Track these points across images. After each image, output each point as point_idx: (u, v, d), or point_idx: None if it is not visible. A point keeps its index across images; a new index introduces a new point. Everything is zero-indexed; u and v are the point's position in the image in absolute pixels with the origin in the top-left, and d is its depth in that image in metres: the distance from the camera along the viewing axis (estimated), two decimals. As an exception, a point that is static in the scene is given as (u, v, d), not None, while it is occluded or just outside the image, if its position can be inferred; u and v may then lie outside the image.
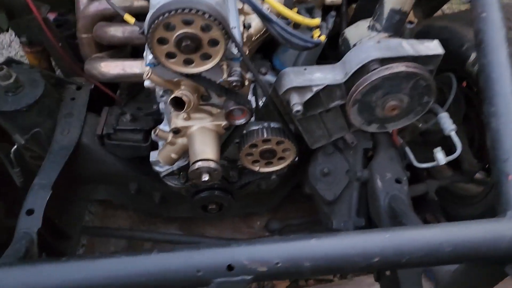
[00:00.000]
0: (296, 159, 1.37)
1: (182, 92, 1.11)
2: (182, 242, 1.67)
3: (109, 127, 1.51)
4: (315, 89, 1.13)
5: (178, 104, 1.11)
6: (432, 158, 1.39)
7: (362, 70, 1.09)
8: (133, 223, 1.97)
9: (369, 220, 1.42)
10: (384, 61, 1.07)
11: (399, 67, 1.05)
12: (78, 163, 1.53)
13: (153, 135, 1.28)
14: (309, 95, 1.15)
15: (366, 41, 1.13)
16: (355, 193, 1.41)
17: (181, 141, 1.27)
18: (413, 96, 1.11)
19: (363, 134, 1.41)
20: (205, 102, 1.22)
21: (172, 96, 1.09)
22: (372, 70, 1.07)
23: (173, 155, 1.31)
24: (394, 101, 1.11)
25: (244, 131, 1.31)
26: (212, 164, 1.16)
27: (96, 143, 1.53)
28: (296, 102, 1.12)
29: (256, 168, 1.39)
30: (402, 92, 1.09)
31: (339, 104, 1.19)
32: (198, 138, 1.22)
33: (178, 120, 1.24)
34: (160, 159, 1.34)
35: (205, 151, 1.19)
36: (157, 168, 1.46)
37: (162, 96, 1.19)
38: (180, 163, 1.41)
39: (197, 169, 1.16)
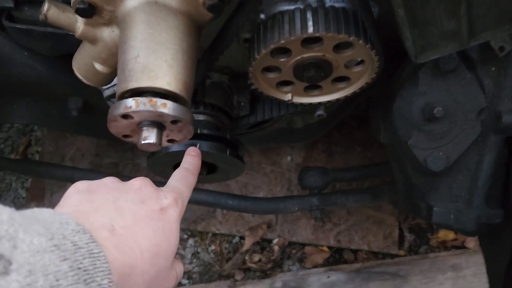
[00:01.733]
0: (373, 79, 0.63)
1: None
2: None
3: (7, -5, 0.78)
4: None
5: None
6: None
7: None
8: (99, 148, 1.32)
9: (507, 211, 0.70)
10: None
11: None
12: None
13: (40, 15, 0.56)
14: None
15: None
16: (490, 157, 0.68)
17: (108, 35, 0.54)
18: None
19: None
20: None
21: None
22: None
23: (98, 66, 0.58)
24: None
25: (261, 16, 0.55)
26: (167, 107, 0.44)
27: (-10, 26, 0.82)
28: None
29: (285, 97, 0.66)
30: None
31: None
32: (140, 32, 0.48)
33: (91, -20, 0.49)
34: (77, 71, 0.62)
35: (154, 67, 0.46)
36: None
37: None
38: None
39: (126, 116, 0.44)
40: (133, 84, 0.45)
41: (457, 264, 1.16)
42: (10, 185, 1.36)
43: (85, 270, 0.33)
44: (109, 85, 0.75)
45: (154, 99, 0.44)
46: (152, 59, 0.46)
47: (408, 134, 0.68)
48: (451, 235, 1.20)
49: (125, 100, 0.44)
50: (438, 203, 0.71)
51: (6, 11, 0.80)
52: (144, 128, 0.46)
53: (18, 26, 0.80)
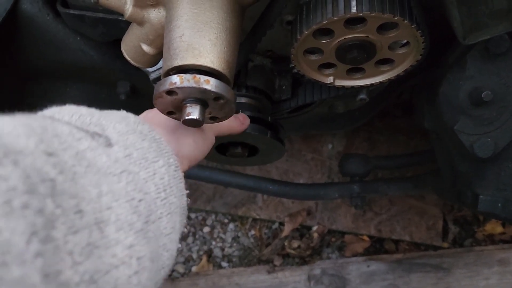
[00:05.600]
0: (418, 60, 0.62)
1: None
2: (206, 179, 1.04)
3: (62, -17, 0.83)
4: None
5: None
6: None
7: None
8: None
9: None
10: None
11: None
12: (19, 47, 0.90)
13: None
14: None
15: None
16: (543, 144, 0.65)
17: (155, 16, 0.56)
18: None
19: None
20: None
21: None
22: None
23: (145, 47, 0.60)
24: None
25: (304, -3, 0.56)
26: (210, 84, 0.45)
27: (45, 12, 0.87)
28: None
29: (327, 80, 0.66)
30: None
31: None
32: (185, 11, 0.49)
33: (140, -38, 0.51)
34: (125, 53, 0.64)
35: (198, 45, 0.47)
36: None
37: None
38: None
39: (170, 92, 0.46)
40: (178, 62, 0.47)
41: (505, 258, 1.12)
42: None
43: (155, 150, 0.41)
44: (155, 69, 0.78)
45: (198, 76, 0.45)
46: (197, 38, 0.47)
47: (454, 119, 0.66)
48: (498, 229, 1.16)
49: (170, 76, 0.45)
50: (484, 191, 0.69)
51: (60, -4, 0.84)
52: (188, 104, 0.47)
53: (71, 11, 0.84)
